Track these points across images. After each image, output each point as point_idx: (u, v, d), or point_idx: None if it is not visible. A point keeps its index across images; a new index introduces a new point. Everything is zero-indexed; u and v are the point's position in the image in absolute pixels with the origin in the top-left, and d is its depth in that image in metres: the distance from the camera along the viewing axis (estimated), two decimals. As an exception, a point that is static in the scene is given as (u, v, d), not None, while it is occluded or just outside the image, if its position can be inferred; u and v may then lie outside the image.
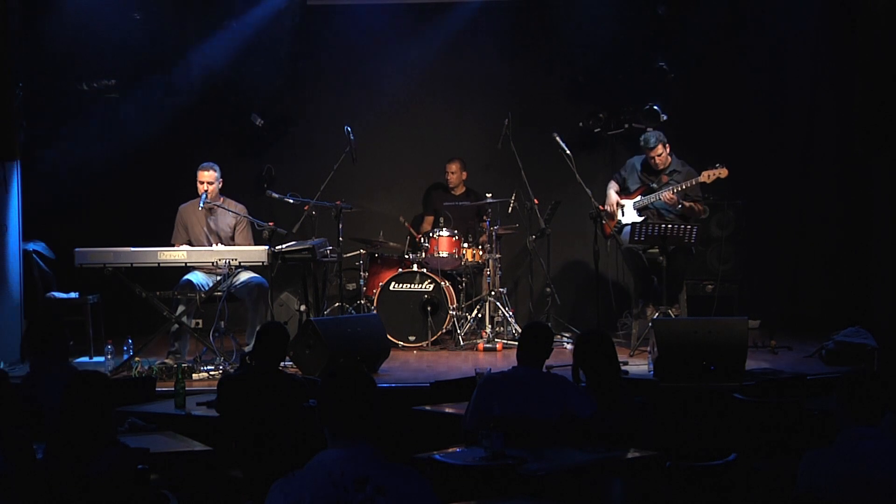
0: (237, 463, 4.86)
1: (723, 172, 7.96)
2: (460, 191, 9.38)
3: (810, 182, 9.70)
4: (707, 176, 8.00)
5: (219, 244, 7.77)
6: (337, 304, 8.59)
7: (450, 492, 4.11)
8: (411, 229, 9.19)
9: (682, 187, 8.08)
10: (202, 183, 7.85)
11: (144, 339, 7.57)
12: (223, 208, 7.93)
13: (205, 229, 7.96)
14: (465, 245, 8.74)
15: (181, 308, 7.52)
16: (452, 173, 9.34)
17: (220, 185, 7.95)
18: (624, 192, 8.44)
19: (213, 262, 7.38)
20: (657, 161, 8.20)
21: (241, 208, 8.02)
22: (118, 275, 7.31)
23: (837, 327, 7.62)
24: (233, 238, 7.93)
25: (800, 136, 9.68)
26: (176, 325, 7.55)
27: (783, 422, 5.22)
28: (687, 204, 8.12)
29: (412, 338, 8.54)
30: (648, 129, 8.84)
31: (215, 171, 7.90)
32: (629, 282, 8.99)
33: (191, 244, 7.85)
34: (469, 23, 9.90)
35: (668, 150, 8.20)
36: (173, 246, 7.89)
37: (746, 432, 5.33)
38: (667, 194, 8.08)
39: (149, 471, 3.92)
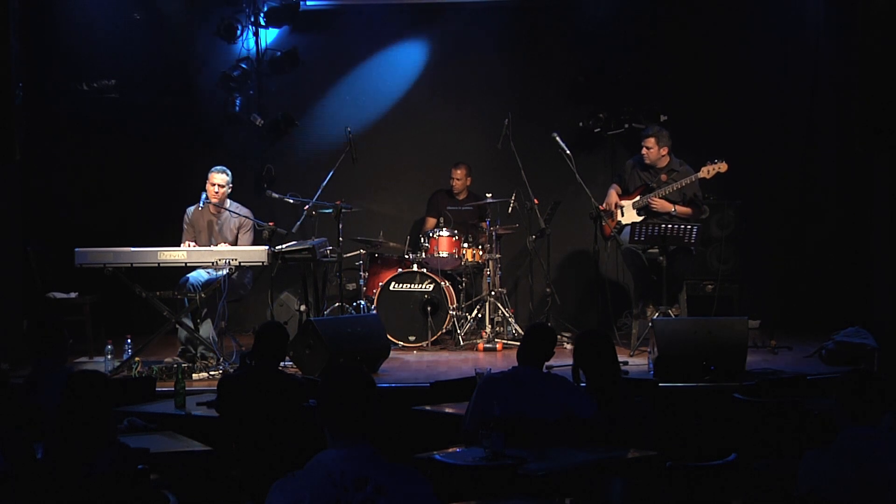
0: (237, 463, 4.86)
1: (722, 167, 7.95)
2: (464, 196, 9.37)
3: (810, 182, 9.70)
4: (707, 171, 7.99)
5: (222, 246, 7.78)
6: (337, 304, 8.59)
7: (450, 492, 4.11)
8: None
9: (680, 185, 8.08)
10: (213, 185, 7.87)
11: (144, 339, 7.58)
12: (231, 212, 7.94)
13: (210, 233, 7.97)
14: (465, 245, 8.73)
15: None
16: (458, 179, 9.30)
17: (230, 190, 7.97)
18: (624, 193, 8.43)
19: (213, 262, 7.38)
20: (645, 153, 8.21)
21: (246, 212, 8.05)
22: (118, 275, 7.31)
23: (837, 327, 7.62)
24: (236, 241, 7.94)
25: (800, 135, 9.68)
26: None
27: (783, 422, 5.22)
28: (680, 209, 8.11)
29: (412, 338, 8.54)
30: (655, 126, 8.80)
31: (227, 175, 7.93)
32: (629, 282, 8.98)
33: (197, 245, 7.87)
34: (469, 23, 9.89)
35: (663, 150, 8.19)
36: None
37: (746, 432, 5.33)
38: (660, 203, 8.08)
39: (149, 471, 3.92)
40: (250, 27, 9.62)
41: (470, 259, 8.76)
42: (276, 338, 5.26)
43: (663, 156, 8.21)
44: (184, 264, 7.47)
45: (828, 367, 7.19)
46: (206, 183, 7.94)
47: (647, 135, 8.23)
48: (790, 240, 9.67)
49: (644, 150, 8.22)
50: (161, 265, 7.34)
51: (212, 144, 9.68)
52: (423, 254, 8.76)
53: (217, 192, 7.88)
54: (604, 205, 8.37)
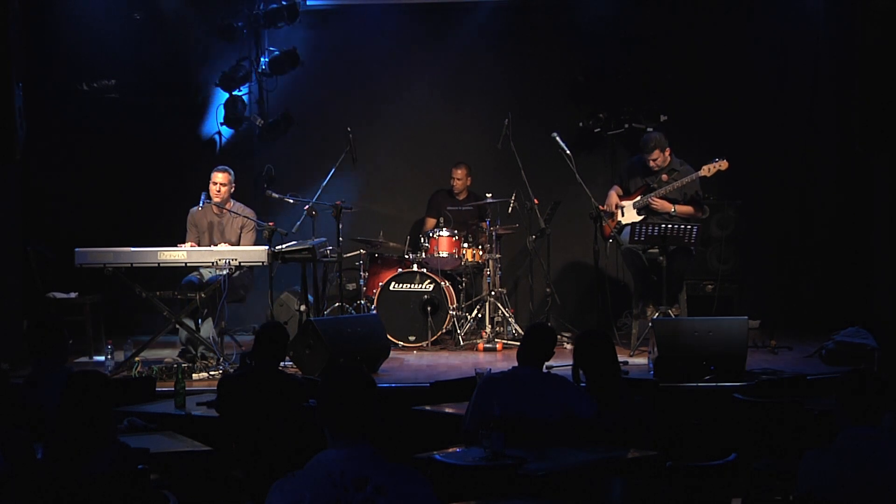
0: (237, 463, 4.86)
1: (723, 165, 7.94)
2: (464, 196, 9.37)
3: (810, 182, 9.70)
4: (707, 169, 7.98)
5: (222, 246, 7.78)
6: (337, 304, 8.59)
7: (450, 492, 4.11)
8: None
9: (681, 183, 8.07)
10: (215, 184, 7.89)
11: (144, 339, 7.57)
12: (232, 212, 7.94)
13: (212, 233, 7.98)
14: (465, 245, 8.73)
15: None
16: (458, 179, 9.29)
17: (233, 189, 7.98)
18: (625, 194, 8.42)
19: (213, 262, 7.39)
20: (653, 165, 8.19)
21: (250, 212, 8.05)
22: (118, 275, 7.32)
23: (837, 327, 7.62)
24: (239, 241, 7.95)
25: (800, 135, 9.68)
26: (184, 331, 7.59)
27: (783, 422, 5.22)
28: (681, 209, 8.10)
29: (412, 338, 8.54)
30: (649, 130, 8.84)
31: (229, 174, 7.97)
32: (629, 282, 8.98)
33: (200, 245, 7.87)
34: (469, 23, 9.89)
35: (666, 153, 8.18)
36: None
37: (746, 432, 5.33)
38: (660, 203, 8.09)
39: (149, 471, 3.92)
40: (250, 27, 9.62)
41: (470, 259, 8.76)
42: (276, 338, 5.26)
43: (668, 156, 8.21)
44: (184, 264, 7.48)
45: (828, 367, 7.19)
46: (207, 183, 7.95)
47: (650, 149, 8.11)
48: (790, 240, 9.67)
49: (651, 163, 8.17)
50: (161, 265, 7.34)
51: (212, 144, 9.67)
52: (423, 254, 8.76)
53: (219, 192, 7.89)
54: (604, 206, 8.36)
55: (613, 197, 8.39)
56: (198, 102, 9.74)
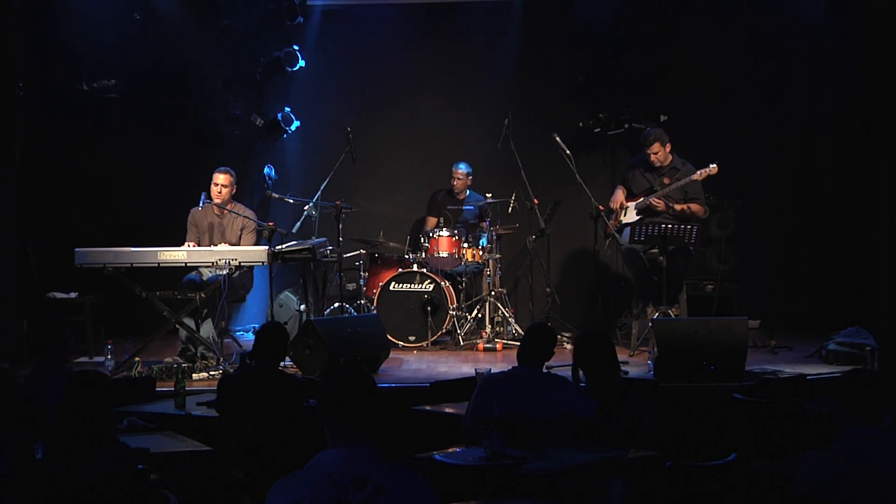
0: (237, 463, 4.86)
1: (713, 170, 7.99)
2: (464, 195, 9.37)
3: (810, 182, 9.70)
4: (699, 175, 8.03)
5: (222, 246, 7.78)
6: (337, 304, 8.59)
7: (450, 492, 4.11)
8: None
9: (680, 184, 8.07)
10: (216, 185, 7.90)
11: (144, 339, 7.58)
12: (232, 213, 7.95)
13: (212, 234, 7.98)
14: (465, 245, 8.74)
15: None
16: (459, 179, 9.31)
17: (234, 191, 7.99)
18: (629, 193, 8.41)
19: (213, 262, 7.39)
20: (654, 159, 8.20)
21: (250, 213, 8.06)
22: (118, 275, 7.32)
23: (837, 327, 7.62)
24: (239, 241, 7.95)
25: (800, 135, 9.69)
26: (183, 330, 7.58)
27: (783, 422, 5.22)
28: (678, 207, 8.11)
29: (412, 338, 8.54)
30: (648, 127, 8.85)
31: (231, 175, 7.98)
32: (629, 282, 8.99)
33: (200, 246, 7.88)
34: (469, 23, 9.90)
35: (667, 148, 8.19)
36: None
37: (746, 432, 5.33)
38: (655, 200, 8.10)
39: (149, 471, 3.92)
40: (250, 27, 9.61)
41: (470, 259, 8.76)
42: (276, 338, 5.26)
43: (669, 153, 8.21)
44: (184, 264, 7.48)
45: (828, 367, 7.20)
46: (208, 183, 7.95)
47: (650, 142, 8.13)
48: (790, 240, 9.67)
49: (652, 157, 8.18)
50: (161, 265, 7.35)
51: (212, 144, 9.67)
52: (423, 254, 8.76)
53: (220, 193, 7.90)
54: (610, 202, 8.36)
55: (620, 195, 8.39)
56: (198, 102, 9.73)
